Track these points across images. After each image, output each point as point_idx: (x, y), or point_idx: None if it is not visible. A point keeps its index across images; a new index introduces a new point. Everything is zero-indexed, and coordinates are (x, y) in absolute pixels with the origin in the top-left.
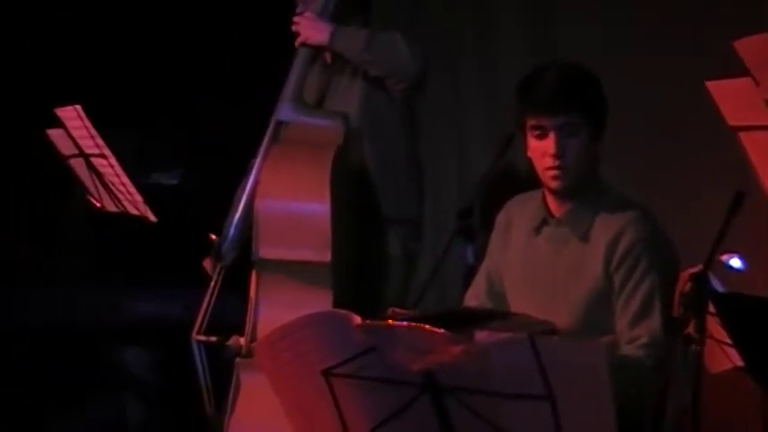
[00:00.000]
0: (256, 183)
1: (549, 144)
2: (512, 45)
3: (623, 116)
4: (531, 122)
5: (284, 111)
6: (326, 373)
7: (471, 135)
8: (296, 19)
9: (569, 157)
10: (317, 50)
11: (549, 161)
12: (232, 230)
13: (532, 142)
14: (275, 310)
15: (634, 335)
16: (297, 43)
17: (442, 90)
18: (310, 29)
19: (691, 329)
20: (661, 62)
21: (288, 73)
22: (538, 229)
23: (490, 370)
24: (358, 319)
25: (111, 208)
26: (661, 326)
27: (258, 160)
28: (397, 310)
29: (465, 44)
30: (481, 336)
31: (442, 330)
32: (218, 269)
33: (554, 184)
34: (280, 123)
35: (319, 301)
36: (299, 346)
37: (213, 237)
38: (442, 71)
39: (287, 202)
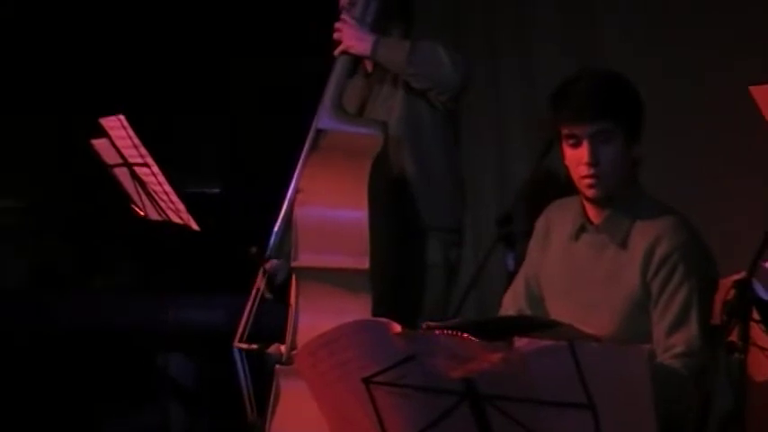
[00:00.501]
0: (296, 190)
1: (583, 152)
2: (551, 48)
3: (663, 119)
4: (565, 131)
5: (323, 119)
6: (367, 381)
7: (511, 141)
8: (338, 26)
9: (604, 165)
10: (357, 59)
11: (584, 169)
12: (273, 238)
13: (567, 151)
14: (315, 317)
15: (670, 343)
16: (337, 51)
17: (482, 96)
18: (353, 38)
19: (734, 337)
20: (703, 63)
21: (327, 80)
22: (576, 235)
23: (530, 378)
24: (398, 327)
25: (155, 216)
26: (698, 334)
27: (297, 168)
28: (432, 323)
29: (503, 49)
30: (520, 343)
31: (477, 338)
32: (262, 277)
33: (590, 192)
34: (319, 131)
35: (358, 309)
36: (340, 355)
37: (253, 249)
38: (482, 77)
39: (325, 209)
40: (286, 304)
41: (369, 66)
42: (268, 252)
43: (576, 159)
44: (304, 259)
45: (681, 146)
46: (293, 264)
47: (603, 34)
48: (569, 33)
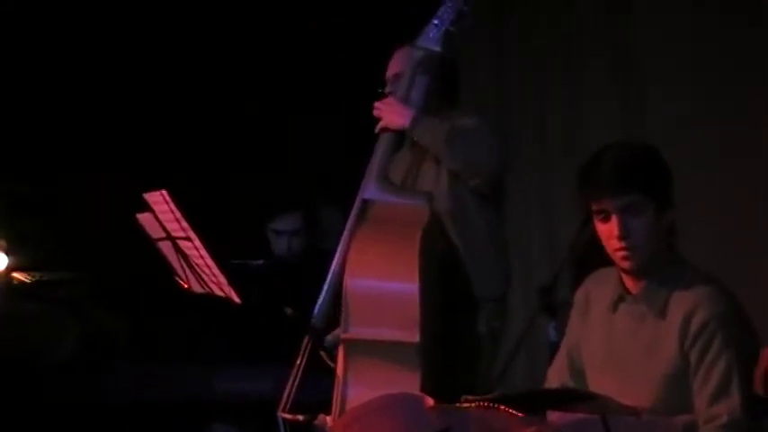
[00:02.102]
0: (343, 261)
1: (614, 226)
2: (598, 119)
3: (705, 190)
4: (594, 207)
5: (370, 189)
6: None
7: (559, 208)
8: (377, 104)
9: (636, 238)
10: (398, 134)
11: (616, 243)
12: (318, 309)
13: (599, 225)
14: (363, 389)
15: (713, 414)
16: (378, 128)
17: (528, 169)
18: (392, 113)
19: None
20: (748, 132)
21: (372, 154)
22: (615, 306)
23: None
24: (430, 401)
25: (198, 289)
26: (741, 404)
27: (344, 238)
28: (470, 398)
29: (551, 119)
30: (553, 417)
31: (513, 411)
32: (306, 346)
33: (625, 264)
34: (365, 202)
35: (406, 382)
36: (372, 428)
37: (289, 310)
38: (530, 144)
39: (376, 281)
40: (331, 374)
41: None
42: (314, 320)
43: (608, 233)
44: (354, 332)
45: (727, 212)
46: (343, 335)
47: (650, 92)
48: (618, 104)
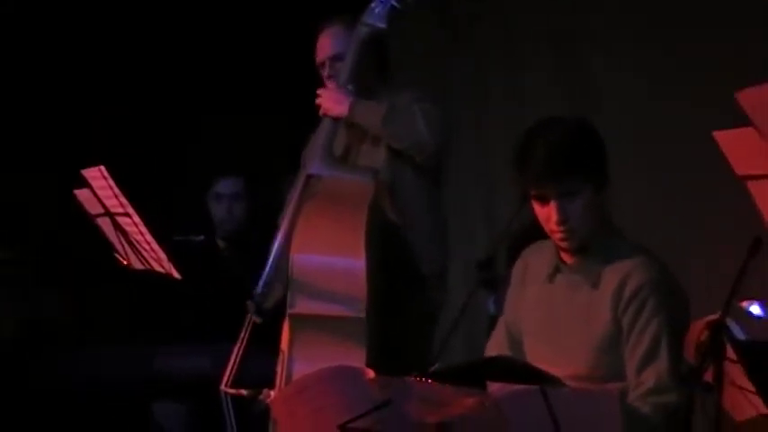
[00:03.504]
0: (288, 236)
1: (552, 211)
2: (540, 91)
3: (645, 160)
4: (532, 192)
5: (316, 165)
6: (343, 428)
7: (498, 183)
8: (319, 91)
9: (573, 220)
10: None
11: (554, 226)
12: (263, 283)
13: (537, 207)
14: (309, 364)
15: (641, 379)
16: (320, 113)
17: (469, 141)
18: (331, 101)
19: (709, 377)
20: (687, 107)
21: (316, 131)
22: (552, 277)
23: (504, 421)
24: (371, 374)
25: (138, 265)
26: (669, 369)
27: (288, 213)
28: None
29: (494, 93)
30: (494, 388)
31: (453, 384)
32: (248, 323)
33: (563, 245)
34: (310, 177)
35: (353, 356)
36: (316, 401)
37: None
38: (471, 121)
39: (323, 256)
40: (275, 348)
41: None
42: (257, 296)
43: (545, 216)
44: (301, 307)
45: (657, 188)
46: (290, 311)
47: (590, 76)
48: (560, 76)
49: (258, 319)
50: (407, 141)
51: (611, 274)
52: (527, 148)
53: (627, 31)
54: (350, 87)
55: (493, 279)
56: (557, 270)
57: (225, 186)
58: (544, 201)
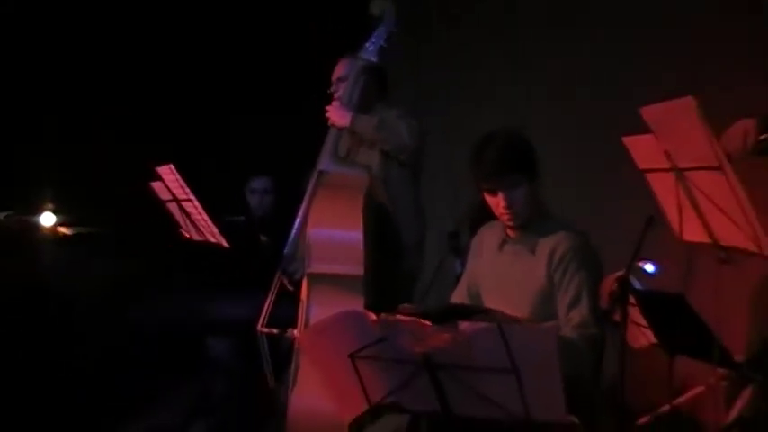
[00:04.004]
0: (305, 216)
1: (500, 199)
2: (491, 106)
3: (568, 159)
4: (484, 186)
5: (325, 163)
6: (352, 356)
7: (461, 178)
8: (327, 108)
9: (516, 205)
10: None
11: (502, 210)
12: (287, 250)
13: (488, 197)
14: (322, 309)
15: (569, 317)
16: (330, 123)
17: (439, 141)
18: (336, 115)
19: (617, 318)
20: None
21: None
22: (500, 247)
23: (471, 351)
24: (374, 316)
25: (197, 238)
26: (589, 311)
27: (306, 199)
28: (407, 305)
29: (456, 109)
30: (464, 326)
31: (431, 323)
32: (277, 281)
33: (509, 224)
34: (321, 173)
35: (353, 304)
36: (333, 337)
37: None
38: (439, 131)
39: (331, 230)
40: (298, 299)
41: None
42: (284, 257)
43: (495, 204)
44: (315, 267)
45: (582, 174)
46: (307, 270)
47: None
48: (506, 90)
49: (291, 288)
50: (393, 145)
51: (545, 244)
52: (479, 153)
53: (555, 46)
54: (351, 104)
55: (458, 247)
56: (504, 242)
57: (258, 183)
58: (494, 192)
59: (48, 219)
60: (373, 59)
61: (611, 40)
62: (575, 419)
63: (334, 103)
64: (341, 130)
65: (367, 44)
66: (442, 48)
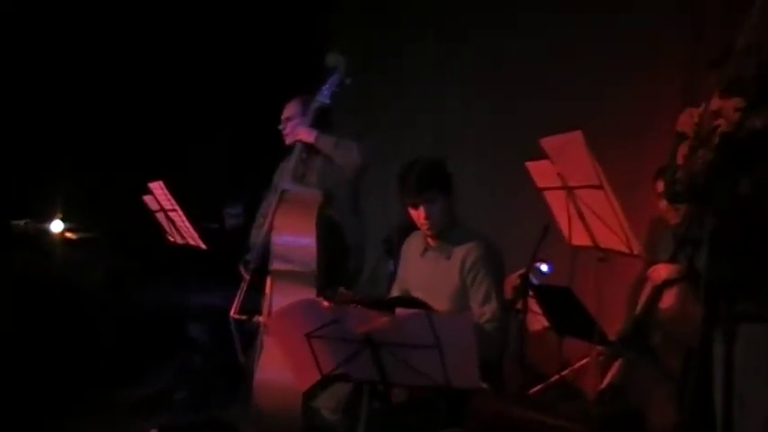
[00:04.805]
0: (271, 225)
1: (421, 213)
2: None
3: (479, 178)
4: (407, 201)
5: (286, 183)
6: (308, 336)
7: (391, 194)
8: (290, 126)
9: (434, 218)
10: (306, 146)
11: (423, 221)
12: (255, 252)
13: (411, 210)
14: (283, 299)
15: (482, 313)
16: (289, 141)
17: (377, 164)
18: (304, 133)
19: (519, 306)
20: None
21: (288, 160)
22: (423, 253)
23: (405, 332)
24: (326, 303)
25: (180, 241)
26: (498, 307)
27: (271, 212)
28: (343, 290)
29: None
30: (399, 312)
31: (373, 309)
32: (248, 273)
33: (428, 233)
34: (284, 191)
35: (308, 295)
36: (293, 320)
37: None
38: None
39: (290, 237)
40: (262, 292)
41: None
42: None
43: (417, 216)
44: (278, 266)
45: (491, 191)
46: (270, 268)
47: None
48: (428, 123)
49: (247, 274)
50: (346, 160)
51: (459, 251)
52: (405, 175)
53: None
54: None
55: (391, 251)
56: (426, 249)
57: (233, 209)
58: (415, 206)
59: (57, 225)
60: (327, 101)
61: (522, 82)
62: (485, 386)
63: (297, 122)
64: (305, 145)
65: (323, 87)
66: (379, 92)
